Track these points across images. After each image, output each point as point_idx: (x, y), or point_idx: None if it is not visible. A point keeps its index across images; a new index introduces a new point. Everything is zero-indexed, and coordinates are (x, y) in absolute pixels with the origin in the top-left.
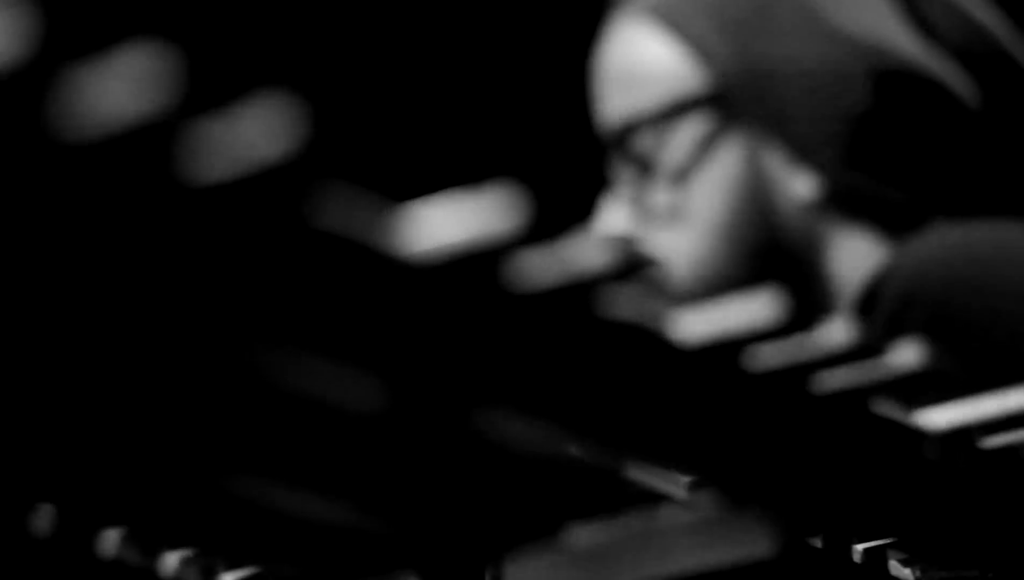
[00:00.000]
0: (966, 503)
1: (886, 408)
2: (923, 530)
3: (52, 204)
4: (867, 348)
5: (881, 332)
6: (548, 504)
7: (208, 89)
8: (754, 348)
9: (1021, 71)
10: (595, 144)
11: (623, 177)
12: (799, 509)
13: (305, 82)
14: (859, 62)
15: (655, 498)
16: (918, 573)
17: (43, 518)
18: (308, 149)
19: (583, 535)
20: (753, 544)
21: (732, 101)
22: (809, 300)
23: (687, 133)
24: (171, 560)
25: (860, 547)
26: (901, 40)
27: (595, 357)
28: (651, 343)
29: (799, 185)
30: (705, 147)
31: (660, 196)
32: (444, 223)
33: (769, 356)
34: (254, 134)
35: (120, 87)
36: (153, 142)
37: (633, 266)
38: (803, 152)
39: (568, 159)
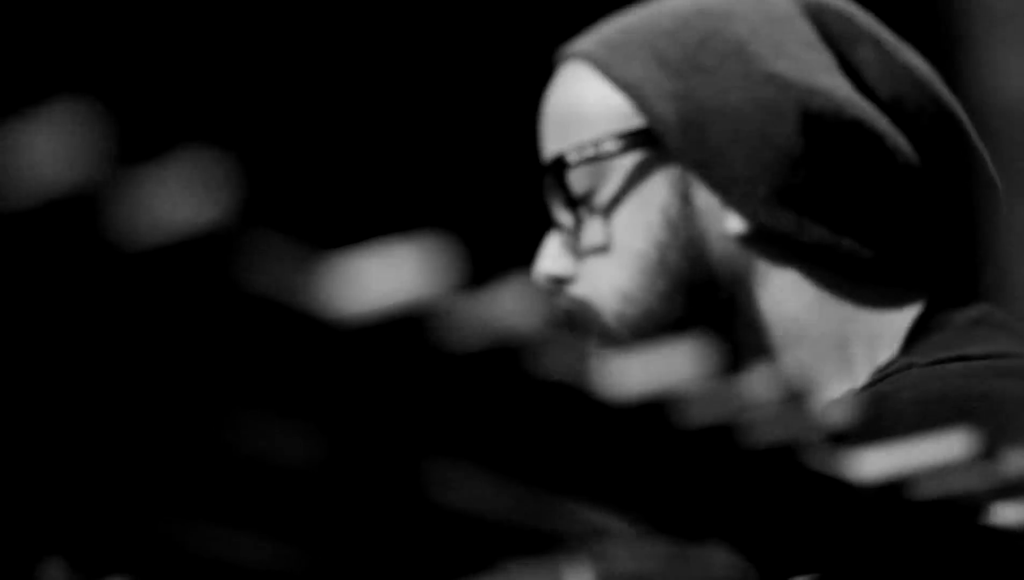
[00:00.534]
0: (896, 552)
1: (816, 460)
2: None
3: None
4: (795, 399)
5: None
6: (484, 552)
7: (134, 148)
8: (683, 401)
9: (954, 121)
10: (532, 190)
11: (560, 217)
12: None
13: (231, 137)
14: (791, 102)
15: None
16: None
17: None
18: (240, 206)
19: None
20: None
21: (664, 139)
22: (736, 337)
23: (619, 171)
24: None
25: None
26: (834, 85)
27: (524, 416)
28: (580, 400)
29: (730, 221)
30: (635, 183)
31: (592, 233)
32: (376, 277)
33: (699, 409)
34: (184, 194)
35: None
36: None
37: (561, 318)
38: (734, 189)
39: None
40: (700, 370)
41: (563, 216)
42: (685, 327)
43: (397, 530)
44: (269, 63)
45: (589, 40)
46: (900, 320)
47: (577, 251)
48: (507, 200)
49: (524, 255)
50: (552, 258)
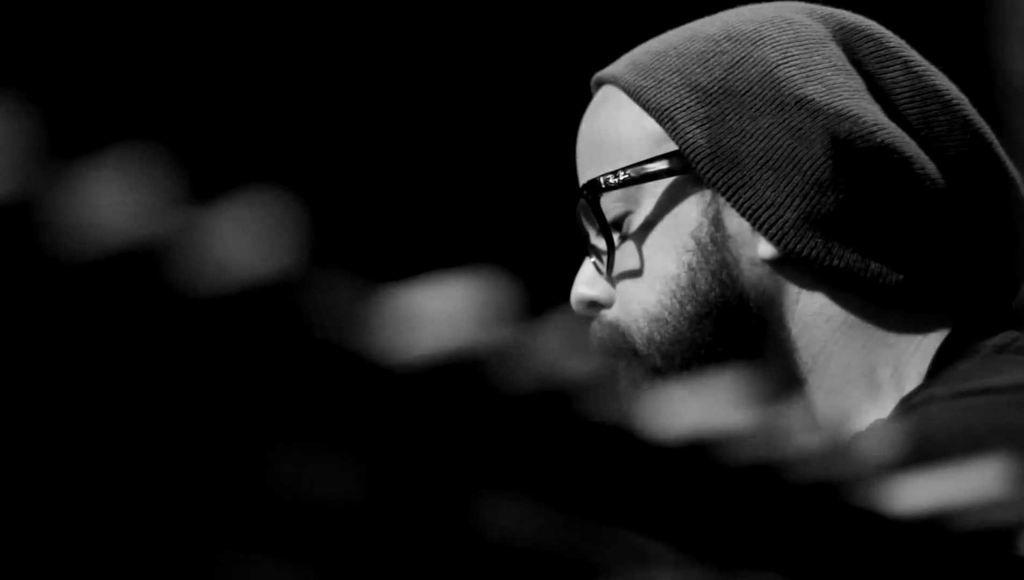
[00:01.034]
0: None
1: (855, 494)
2: None
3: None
4: (833, 435)
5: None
6: None
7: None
8: (727, 439)
9: (984, 143)
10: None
11: (594, 242)
12: None
13: (287, 177)
14: (820, 128)
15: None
16: None
17: None
18: (306, 250)
19: None
20: None
21: (695, 165)
22: (766, 362)
23: (652, 196)
24: None
25: None
26: (863, 109)
27: (574, 454)
28: (627, 439)
29: (760, 246)
30: (668, 207)
31: (626, 258)
32: (431, 314)
33: (741, 446)
34: (251, 238)
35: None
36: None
37: (596, 344)
38: (763, 214)
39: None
40: (742, 406)
41: (597, 241)
42: (715, 351)
43: (447, 566)
44: (322, 104)
45: (621, 65)
46: (927, 346)
47: (611, 275)
48: (556, 232)
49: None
50: (587, 283)
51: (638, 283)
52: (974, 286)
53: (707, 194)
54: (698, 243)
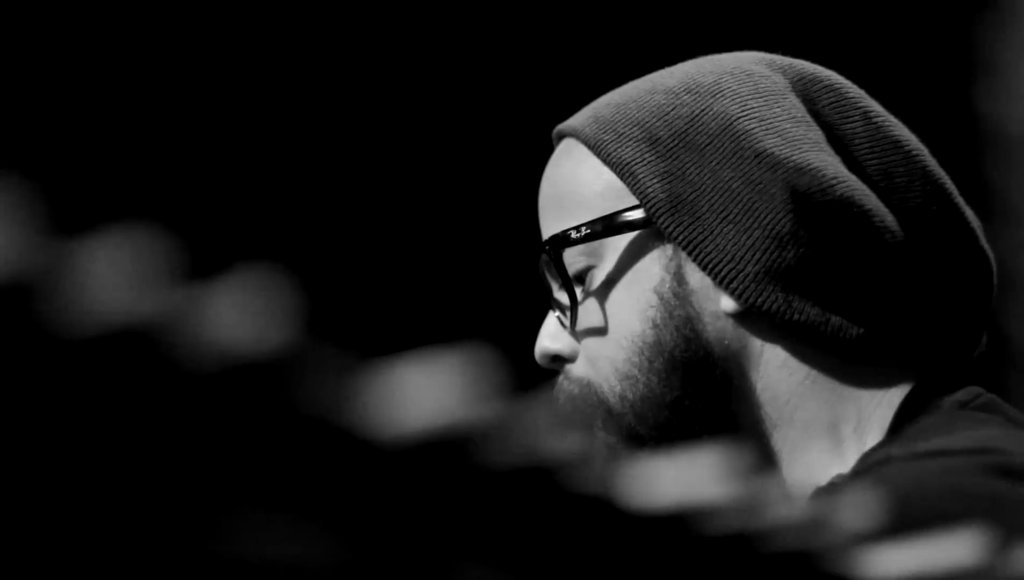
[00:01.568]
0: None
1: (832, 563)
2: None
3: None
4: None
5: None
6: None
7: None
8: (706, 510)
9: (944, 194)
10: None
11: (556, 296)
12: None
13: (286, 257)
14: (780, 181)
15: None
16: None
17: None
18: (302, 325)
19: None
20: None
21: (655, 219)
22: (732, 415)
23: (614, 250)
24: None
25: None
26: (823, 162)
27: (555, 527)
28: (608, 512)
29: (722, 300)
30: (630, 262)
31: (589, 313)
32: (417, 391)
33: (721, 517)
34: (246, 314)
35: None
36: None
37: (565, 402)
38: (724, 268)
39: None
40: (722, 477)
41: (560, 295)
42: (684, 406)
43: None
44: (311, 180)
45: (582, 117)
46: (890, 400)
47: (575, 330)
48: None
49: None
50: (551, 337)
51: (604, 341)
52: (936, 339)
53: (669, 248)
54: (661, 298)
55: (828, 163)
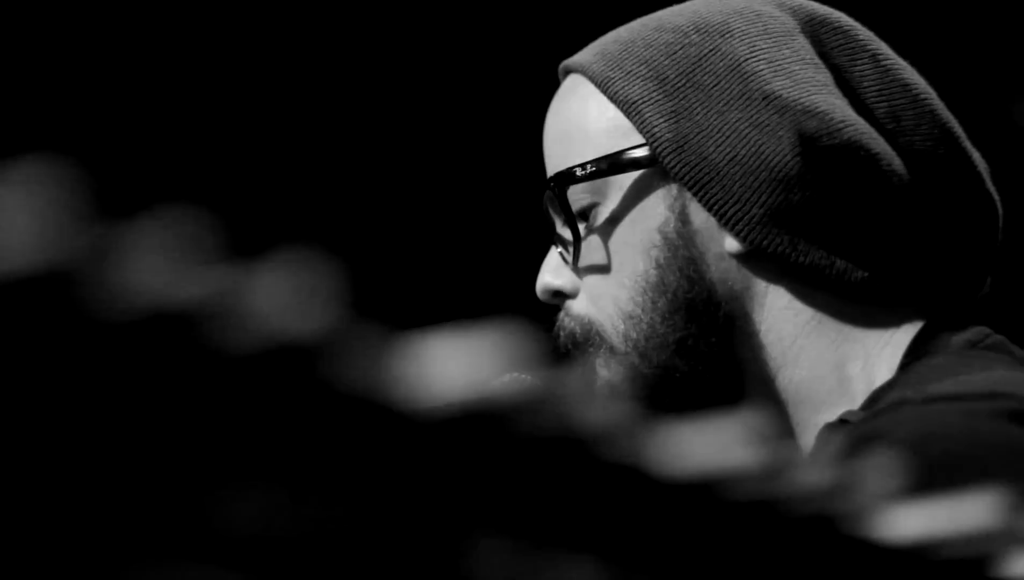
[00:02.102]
0: None
1: (851, 523)
2: None
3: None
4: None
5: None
6: None
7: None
8: (731, 476)
9: (951, 137)
10: None
11: (560, 233)
12: None
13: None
14: (788, 124)
15: None
16: None
17: None
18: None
19: None
20: None
21: (661, 159)
22: (736, 357)
23: (619, 189)
24: None
25: None
26: (831, 104)
27: (583, 493)
28: (639, 481)
29: (726, 241)
30: (634, 201)
31: (592, 251)
32: (451, 364)
33: (745, 483)
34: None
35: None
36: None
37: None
38: (729, 209)
39: None
40: (746, 444)
41: (563, 231)
42: (687, 346)
43: None
44: (343, 161)
45: (589, 54)
46: (898, 341)
47: (577, 266)
48: None
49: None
50: (553, 272)
51: (607, 279)
52: (942, 281)
53: (673, 188)
54: (665, 238)
55: (836, 106)
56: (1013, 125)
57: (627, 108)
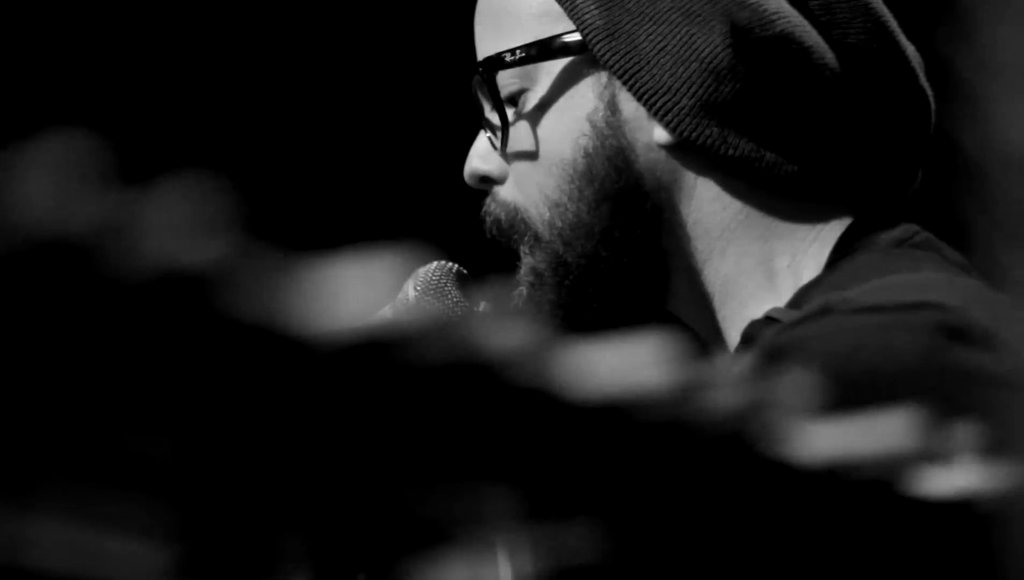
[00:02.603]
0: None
1: (774, 446)
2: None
3: None
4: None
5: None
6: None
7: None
8: (645, 396)
9: (886, 31)
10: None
11: (489, 118)
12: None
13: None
14: (719, 14)
15: None
16: None
17: None
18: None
19: None
20: None
21: (591, 46)
22: (663, 248)
23: (548, 75)
24: None
25: None
26: None
27: (492, 420)
28: (547, 405)
29: (655, 131)
30: (563, 88)
31: (521, 137)
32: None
33: (660, 404)
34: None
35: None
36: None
37: (491, 226)
38: (659, 99)
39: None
40: (658, 363)
41: (492, 117)
42: (613, 237)
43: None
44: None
45: None
46: (826, 237)
47: (505, 152)
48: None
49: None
50: (481, 157)
51: (535, 166)
52: (872, 177)
53: (603, 76)
54: (593, 126)
55: None
56: (935, 53)
57: None
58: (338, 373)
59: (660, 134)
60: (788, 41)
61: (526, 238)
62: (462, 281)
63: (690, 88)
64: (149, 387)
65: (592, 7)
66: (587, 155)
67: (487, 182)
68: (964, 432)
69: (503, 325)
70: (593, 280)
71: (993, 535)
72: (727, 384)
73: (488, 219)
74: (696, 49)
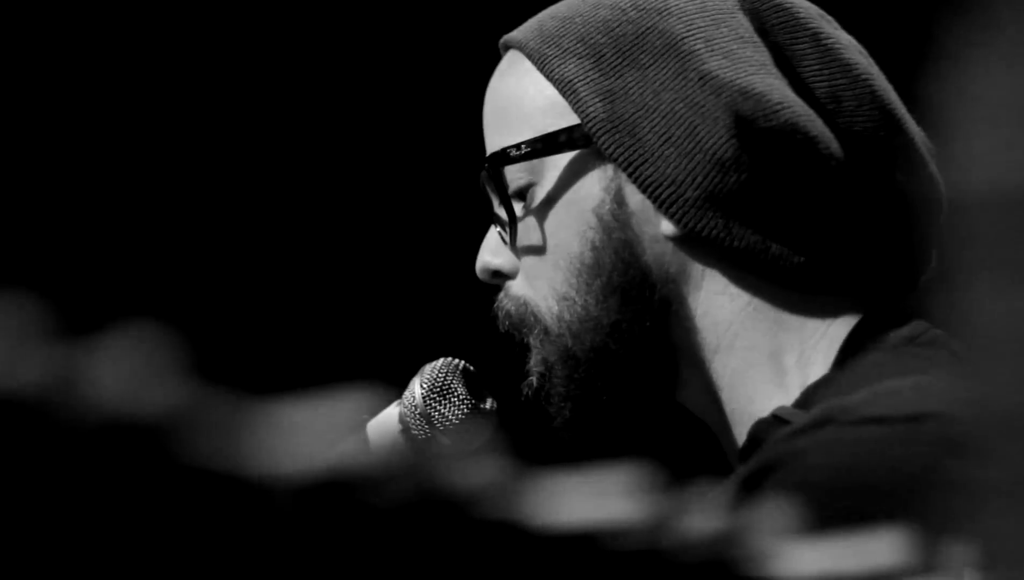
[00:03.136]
0: None
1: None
2: None
3: None
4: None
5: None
6: None
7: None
8: (619, 528)
9: (894, 119)
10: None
11: (497, 212)
12: None
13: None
14: (723, 105)
15: None
16: None
17: None
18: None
19: None
20: None
21: (596, 139)
22: (671, 341)
23: (555, 169)
24: None
25: None
26: (768, 85)
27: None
28: (519, 538)
29: (662, 223)
30: (570, 182)
31: (529, 231)
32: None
33: (633, 535)
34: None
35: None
36: None
37: (503, 320)
38: (664, 191)
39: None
40: (632, 494)
41: (500, 211)
42: (622, 330)
43: None
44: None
45: (528, 30)
46: (834, 333)
47: (514, 246)
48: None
49: None
50: (492, 252)
51: (542, 260)
52: (882, 268)
53: (609, 169)
54: (600, 220)
55: (773, 87)
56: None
57: (562, 87)
58: (300, 515)
59: (666, 226)
60: (793, 131)
61: (536, 331)
62: (468, 378)
63: (695, 180)
64: (107, 538)
65: (596, 100)
66: (594, 248)
67: (499, 277)
68: (959, 547)
69: (472, 461)
70: (602, 373)
71: None
72: (704, 511)
73: (500, 313)
74: (700, 141)
